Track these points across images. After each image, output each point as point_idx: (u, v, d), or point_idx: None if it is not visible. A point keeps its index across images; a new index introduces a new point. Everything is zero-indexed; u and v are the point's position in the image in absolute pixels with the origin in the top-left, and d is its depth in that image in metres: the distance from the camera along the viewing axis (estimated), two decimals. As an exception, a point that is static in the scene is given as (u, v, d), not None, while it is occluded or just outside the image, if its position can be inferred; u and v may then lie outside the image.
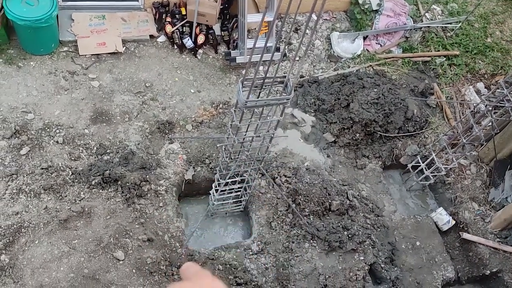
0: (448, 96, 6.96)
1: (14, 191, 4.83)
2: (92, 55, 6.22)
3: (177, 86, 6.27)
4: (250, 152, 4.34)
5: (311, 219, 5.32)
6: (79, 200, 4.92)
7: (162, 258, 4.78)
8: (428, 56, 7.32)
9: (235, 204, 5.40)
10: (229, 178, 4.53)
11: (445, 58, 7.25)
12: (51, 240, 4.58)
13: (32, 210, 4.74)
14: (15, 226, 4.59)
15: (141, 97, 6.01)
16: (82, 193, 4.98)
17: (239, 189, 5.04)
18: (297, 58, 7.01)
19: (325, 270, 5.03)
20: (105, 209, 4.90)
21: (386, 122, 6.23)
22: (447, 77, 7.13)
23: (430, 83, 7.04)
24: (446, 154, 6.00)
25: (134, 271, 4.62)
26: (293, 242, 5.16)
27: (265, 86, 3.48)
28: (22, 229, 4.60)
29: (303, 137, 6.16)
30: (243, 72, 6.58)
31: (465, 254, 5.86)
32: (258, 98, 3.61)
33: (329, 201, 5.42)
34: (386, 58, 7.23)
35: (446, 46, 7.37)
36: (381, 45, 7.38)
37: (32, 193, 4.84)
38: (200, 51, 6.69)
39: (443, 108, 6.82)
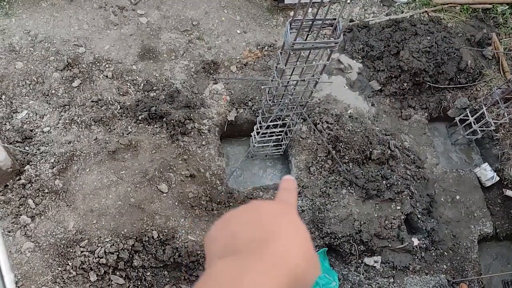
0: (506, 48, 6.56)
1: (67, 121, 5.09)
2: (140, -10, 6.22)
3: (224, 26, 6.22)
4: (293, 96, 4.32)
5: (350, 166, 5.33)
6: (127, 134, 5.13)
7: (203, 194, 4.99)
8: (490, 3, 6.84)
9: (275, 148, 5.47)
10: (271, 122, 4.56)
11: (507, 6, 6.76)
12: (101, 169, 4.86)
13: (83, 140, 5.01)
14: (68, 154, 4.88)
15: (187, 35, 6.02)
16: (129, 127, 5.18)
17: (280, 133, 5.08)
18: (348, 1, 6.73)
19: (360, 216, 5.10)
20: (151, 144, 5.10)
21: (437, 72, 5.98)
22: (507, 27, 6.69)
23: (488, 33, 6.63)
24: (497, 108, 5.76)
25: (176, 203, 4.86)
26: (330, 188, 5.23)
27: (314, 28, 3.40)
28: (74, 157, 4.89)
29: (348, 84, 6.05)
30: (291, 13, 6.42)
31: (506, 211, 5.76)
32: (305, 41, 3.54)
33: (370, 150, 5.39)
34: (444, 4, 6.81)
35: (511, -7, 6.85)
36: (439, -11, 6.95)
37: (83, 124, 5.09)
38: (248, -10, 6.55)
39: (499, 60, 6.46)
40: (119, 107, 5.29)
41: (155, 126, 5.23)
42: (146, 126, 5.22)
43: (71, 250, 4.45)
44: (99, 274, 4.41)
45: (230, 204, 5.03)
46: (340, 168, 5.27)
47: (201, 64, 5.80)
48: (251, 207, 0.81)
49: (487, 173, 5.76)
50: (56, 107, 5.16)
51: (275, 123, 4.68)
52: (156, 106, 5.25)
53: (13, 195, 4.62)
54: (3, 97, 5.16)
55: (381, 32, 6.26)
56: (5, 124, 4.99)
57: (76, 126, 5.08)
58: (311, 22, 3.33)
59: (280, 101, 4.36)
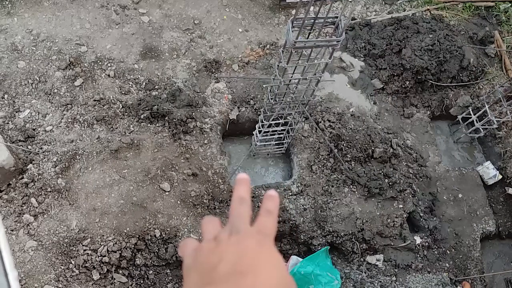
0: (509, 46, 6.54)
1: (69, 120, 5.09)
2: (142, -11, 6.22)
3: (225, 24, 6.22)
4: (295, 94, 4.32)
5: (353, 165, 5.33)
6: (129, 133, 5.14)
7: (205, 193, 4.99)
8: (492, 1, 6.82)
9: (277, 146, 5.47)
10: (272, 120, 4.56)
11: (510, 4, 6.74)
12: (103, 168, 4.86)
13: (86, 139, 5.01)
14: (70, 153, 4.89)
15: (189, 34, 6.02)
16: (131, 126, 5.19)
17: (282, 132, 5.08)
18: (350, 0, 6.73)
19: (362, 214, 5.10)
20: (153, 143, 5.11)
21: (439, 70, 5.97)
22: (510, 25, 6.67)
23: (491, 31, 6.61)
24: (500, 107, 5.75)
25: (178, 202, 4.87)
26: (332, 186, 5.22)
27: (316, 26, 3.39)
28: (77, 156, 4.90)
29: (350, 82, 6.04)
30: (293, 12, 6.41)
31: (508, 209, 5.76)
32: (307, 39, 3.54)
33: (372, 148, 5.39)
34: (446, 2, 6.80)
35: (514, -9, 6.83)
36: (441, -13, 6.93)
37: (85, 123, 5.10)
38: (250, -12, 6.54)
39: (502, 58, 6.44)
40: (121, 106, 5.29)
41: (157, 125, 5.24)
42: (148, 125, 5.23)
43: (74, 249, 4.46)
44: (102, 272, 4.42)
45: (232, 202, 5.02)
46: (342, 166, 5.27)
47: (203, 62, 5.80)
48: (231, 239, 0.83)
49: (489, 172, 5.75)
50: (58, 106, 5.17)
51: (277, 121, 4.67)
52: (158, 105, 5.25)
53: (16, 194, 4.64)
54: (6, 96, 5.17)
55: (383, 30, 6.25)
56: (8, 123, 5.01)
57: (79, 125, 5.09)
58: (313, 21, 3.32)
59: (282, 100, 4.35)
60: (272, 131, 4.93)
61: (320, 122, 5.55)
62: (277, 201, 0.95)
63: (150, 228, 4.65)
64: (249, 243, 0.82)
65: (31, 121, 5.06)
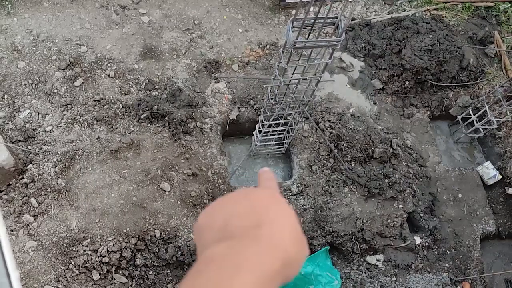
0: (509, 46, 6.54)
1: (69, 120, 5.09)
2: (142, -11, 6.22)
3: (225, 24, 6.22)
4: (295, 95, 4.32)
5: (353, 165, 5.33)
6: (129, 133, 5.14)
7: (205, 193, 4.99)
8: (492, 1, 6.83)
9: (277, 146, 5.47)
10: (272, 120, 4.56)
11: (510, 4, 6.75)
12: (103, 168, 4.86)
13: (86, 139, 5.01)
14: (70, 153, 4.89)
15: (189, 34, 6.02)
16: (131, 126, 5.19)
17: (282, 132, 5.08)
18: (350, 0, 6.73)
19: (362, 215, 5.10)
20: (153, 143, 5.11)
21: (439, 70, 5.97)
22: (510, 25, 6.67)
23: (490, 31, 6.61)
24: (500, 107, 5.75)
25: (178, 202, 4.86)
26: (332, 186, 5.22)
27: (316, 27, 3.40)
28: (77, 156, 4.89)
29: (350, 83, 6.04)
30: (293, 12, 6.41)
31: (508, 209, 5.75)
32: (307, 39, 3.54)
33: (372, 148, 5.39)
34: (446, 2, 6.80)
35: (513, -9, 6.84)
36: (441, -13, 6.94)
37: (85, 123, 5.09)
38: (250, -12, 6.54)
39: (502, 58, 6.44)
40: (121, 106, 5.29)
41: (157, 125, 5.24)
42: (148, 125, 5.23)
43: (74, 249, 4.46)
44: (101, 273, 4.42)
45: (232, 202, 5.02)
46: (342, 166, 5.27)
47: (203, 63, 5.80)
48: (241, 194, 0.84)
49: (489, 172, 5.75)
50: (58, 106, 5.17)
51: (277, 121, 4.67)
52: (158, 105, 5.25)
53: (15, 194, 4.63)
54: (6, 96, 5.17)
55: (383, 30, 6.25)
56: (8, 123, 5.00)
57: (79, 125, 5.09)
58: (313, 21, 3.32)
59: (282, 100, 4.35)
60: (272, 131, 4.93)
61: (320, 122, 5.55)
62: (272, 172, 0.98)
63: (150, 228, 4.65)
64: (259, 193, 0.84)
65: (31, 121, 5.06)
